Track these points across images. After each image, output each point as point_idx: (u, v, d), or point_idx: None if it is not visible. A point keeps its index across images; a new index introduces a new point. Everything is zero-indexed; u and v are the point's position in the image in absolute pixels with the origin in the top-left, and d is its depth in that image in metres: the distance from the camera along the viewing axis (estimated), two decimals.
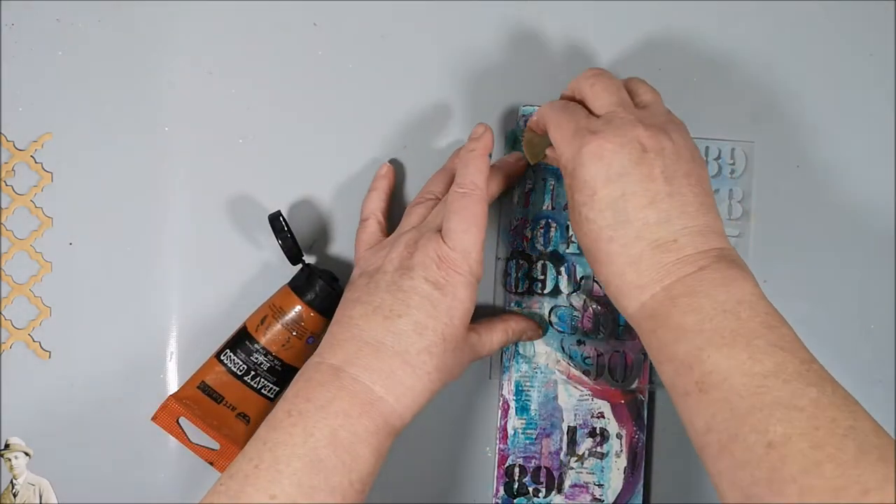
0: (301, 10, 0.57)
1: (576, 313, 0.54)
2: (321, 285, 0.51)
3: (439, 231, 0.47)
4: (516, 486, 0.54)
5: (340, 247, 0.56)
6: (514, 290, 0.54)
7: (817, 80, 0.57)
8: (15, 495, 0.54)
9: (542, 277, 0.54)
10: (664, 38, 0.57)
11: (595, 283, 0.54)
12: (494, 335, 0.50)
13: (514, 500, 0.53)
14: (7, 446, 0.54)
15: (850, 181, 0.56)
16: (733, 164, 0.55)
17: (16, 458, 0.54)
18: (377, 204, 0.53)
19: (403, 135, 0.56)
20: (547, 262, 0.54)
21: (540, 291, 0.54)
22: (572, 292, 0.54)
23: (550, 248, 0.54)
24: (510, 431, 0.54)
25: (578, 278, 0.54)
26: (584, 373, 0.54)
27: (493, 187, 0.51)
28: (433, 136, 0.56)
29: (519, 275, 0.54)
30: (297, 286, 0.51)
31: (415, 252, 0.46)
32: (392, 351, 0.44)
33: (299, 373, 0.46)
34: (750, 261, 0.55)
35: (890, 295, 0.55)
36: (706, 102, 0.56)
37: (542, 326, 0.54)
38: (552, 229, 0.54)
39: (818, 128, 0.57)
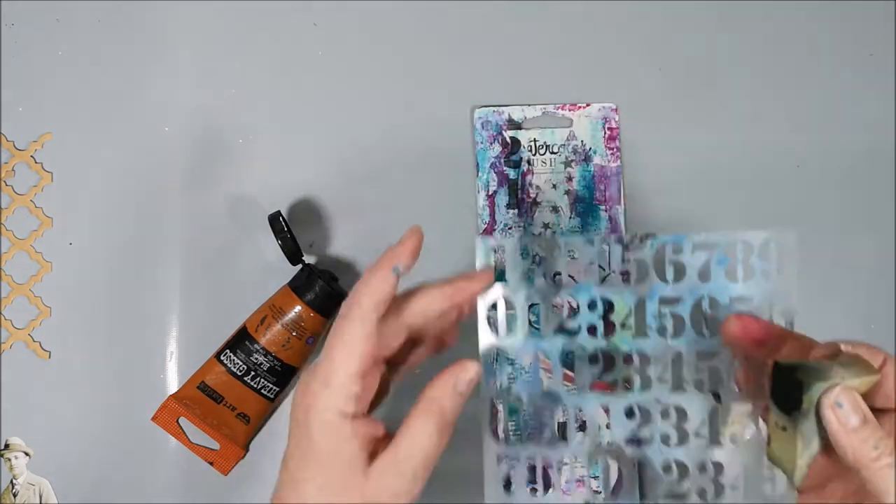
0: (301, 10, 0.57)
1: (579, 364, 0.50)
2: (321, 285, 0.51)
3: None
4: (513, 486, 0.54)
5: (340, 247, 0.55)
6: (504, 438, 0.47)
7: (817, 79, 0.57)
8: (15, 495, 0.54)
9: (535, 425, 0.46)
10: (664, 38, 0.57)
11: (570, 278, 0.52)
12: (415, 436, 0.37)
13: (512, 501, 0.53)
14: (7, 446, 0.54)
15: (851, 181, 0.56)
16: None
17: (16, 458, 0.54)
18: (363, 361, 0.38)
19: (403, 135, 0.56)
20: (539, 404, 0.45)
21: (535, 440, 0.45)
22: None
23: (542, 388, 0.45)
24: (501, 434, 0.53)
25: (553, 273, 0.54)
26: (567, 367, 0.53)
27: (416, 310, 0.40)
28: (433, 136, 0.56)
29: (506, 420, 0.48)
30: (297, 286, 0.51)
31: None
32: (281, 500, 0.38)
33: None
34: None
35: (890, 295, 0.55)
36: (706, 103, 0.56)
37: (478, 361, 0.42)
38: (541, 363, 0.46)
39: (818, 128, 0.57)
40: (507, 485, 0.53)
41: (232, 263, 0.55)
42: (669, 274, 0.42)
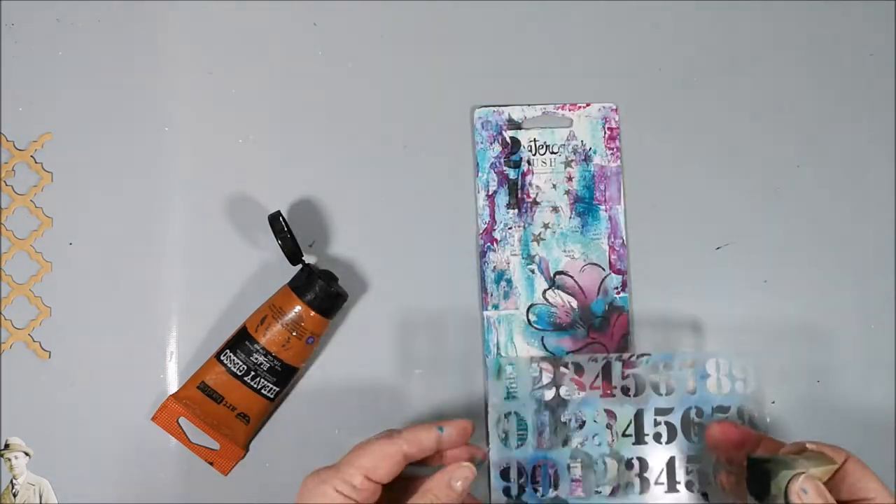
0: (301, 10, 0.57)
1: (553, 309, 0.54)
2: (321, 285, 0.51)
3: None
4: (513, 486, 0.54)
5: (340, 247, 0.55)
6: None
7: (817, 80, 0.57)
8: (15, 495, 0.54)
9: None
10: (664, 38, 0.57)
11: (570, 278, 0.54)
12: None
13: (513, 501, 0.54)
14: (7, 446, 0.54)
15: (850, 181, 0.56)
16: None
17: (16, 458, 0.54)
18: (388, 462, 0.42)
19: (403, 135, 0.56)
20: None
21: None
22: (548, 289, 0.54)
23: (551, 497, 0.49)
24: (501, 434, 0.53)
25: (552, 274, 0.54)
26: (567, 367, 0.53)
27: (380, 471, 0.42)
28: (433, 136, 0.56)
29: None
30: (297, 286, 0.51)
31: None
32: None
33: None
34: (750, 261, 0.55)
35: (890, 295, 0.55)
36: (706, 103, 0.56)
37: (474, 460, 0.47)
38: (549, 472, 0.49)
39: (818, 128, 0.57)
40: (507, 488, 0.53)
41: (232, 263, 0.55)
42: (663, 388, 0.49)
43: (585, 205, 0.55)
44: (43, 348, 0.55)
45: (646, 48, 0.57)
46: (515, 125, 0.56)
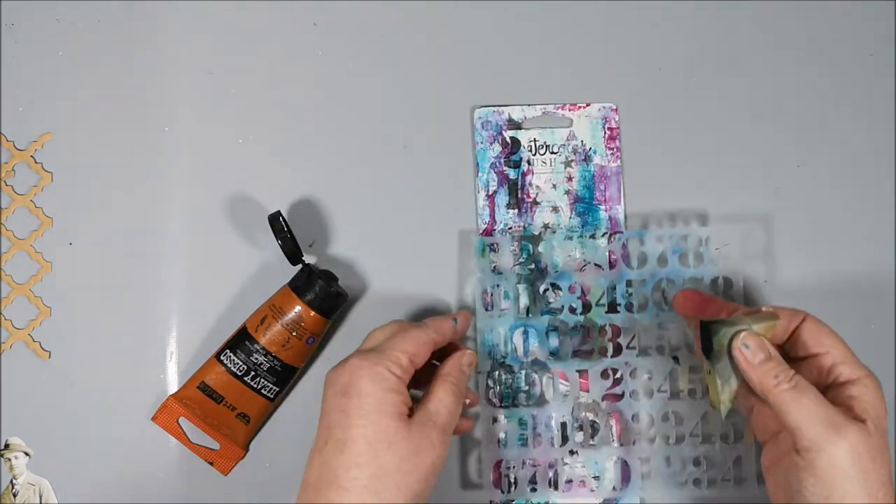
0: (301, 10, 0.57)
1: (553, 309, 0.54)
2: (321, 285, 0.51)
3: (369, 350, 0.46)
4: (513, 487, 0.54)
5: (340, 247, 0.55)
6: (499, 404, 0.53)
7: (817, 80, 0.57)
8: (15, 495, 0.54)
9: (525, 388, 0.53)
10: (664, 38, 0.57)
11: (571, 278, 0.54)
12: (440, 398, 0.46)
13: (513, 502, 0.54)
14: (7, 446, 0.54)
15: (850, 181, 0.56)
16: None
17: (16, 458, 0.54)
18: (425, 349, 0.47)
19: (403, 135, 0.56)
20: (529, 371, 0.53)
21: (525, 403, 0.53)
22: (548, 289, 0.54)
23: (531, 358, 0.54)
24: (501, 434, 0.54)
25: (552, 274, 0.54)
26: (566, 367, 0.54)
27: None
28: (433, 136, 0.56)
29: (501, 388, 0.53)
30: (297, 286, 0.51)
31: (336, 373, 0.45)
32: (326, 484, 0.42)
33: None
34: (750, 262, 0.55)
35: (890, 295, 0.55)
36: (706, 102, 0.56)
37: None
38: (531, 337, 0.54)
39: (818, 128, 0.57)
40: (508, 488, 0.53)
41: (232, 263, 0.55)
42: (634, 262, 0.53)
43: (585, 205, 0.55)
44: (43, 348, 0.55)
45: (646, 48, 0.57)
46: (515, 125, 0.56)
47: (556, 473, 0.53)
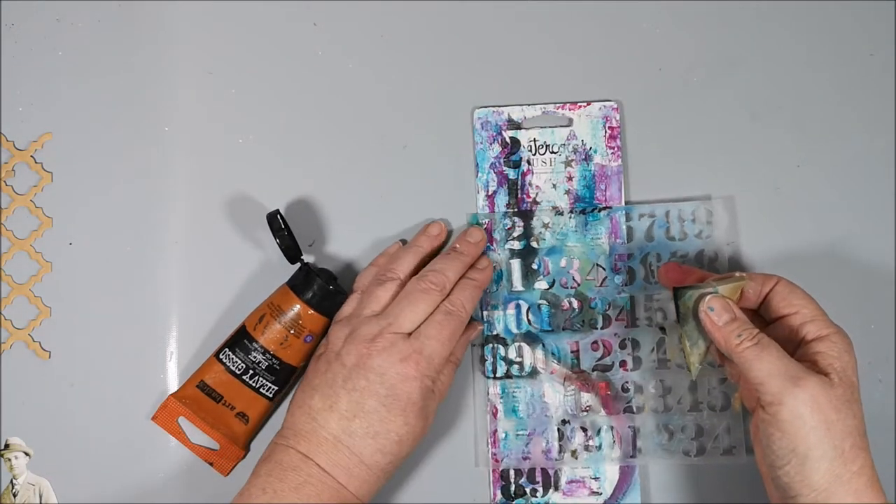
0: (301, 10, 0.57)
1: (553, 309, 0.54)
2: (319, 284, 0.51)
3: (408, 335, 0.48)
4: (513, 487, 0.54)
5: (339, 246, 0.55)
6: (493, 375, 0.54)
7: (817, 80, 0.57)
8: (15, 495, 0.54)
9: (518, 360, 0.54)
10: (664, 38, 0.57)
11: (571, 278, 0.54)
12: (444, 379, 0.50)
13: (513, 502, 0.53)
14: (7, 446, 0.54)
15: (850, 181, 0.56)
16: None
17: (16, 458, 0.54)
18: (409, 265, 0.52)
19: (403, 134, 0.56)
20: (521, 344, 0.54)
21: (518, 374, 0.54)
22: (548, 289, 0.54)
23: (524, 330, 0.54)
24: (501, 434, 0.54)
25: (552, 274, 0.54)
26: (567, 368, 0.54)
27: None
28: (433, 136, 0.56)
29: (496, 359, 0.54)
30: (296, 285, 0.51)
31: (374, 354, 0.47)
32: (349, 451, 0.47)
33: (268, 452, 0.48)
34: (751, 262, 0.55)
35: (890, 295, 0.55)
36: (706, 102, 0.56)
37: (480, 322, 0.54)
38: (523, 310, 0.54)
39: (818, 128, 0.56)
40: (507, 488, 0.53)
41: (232, 263, 0.55)
42: (623, 235, 0.55)
43: (586, 204, 0.55)
44: (43, 348, 0.55)
45: (646, 48, 0.57)
46: (515, 125, 0.56)
47: (548, 443, 0.54)
